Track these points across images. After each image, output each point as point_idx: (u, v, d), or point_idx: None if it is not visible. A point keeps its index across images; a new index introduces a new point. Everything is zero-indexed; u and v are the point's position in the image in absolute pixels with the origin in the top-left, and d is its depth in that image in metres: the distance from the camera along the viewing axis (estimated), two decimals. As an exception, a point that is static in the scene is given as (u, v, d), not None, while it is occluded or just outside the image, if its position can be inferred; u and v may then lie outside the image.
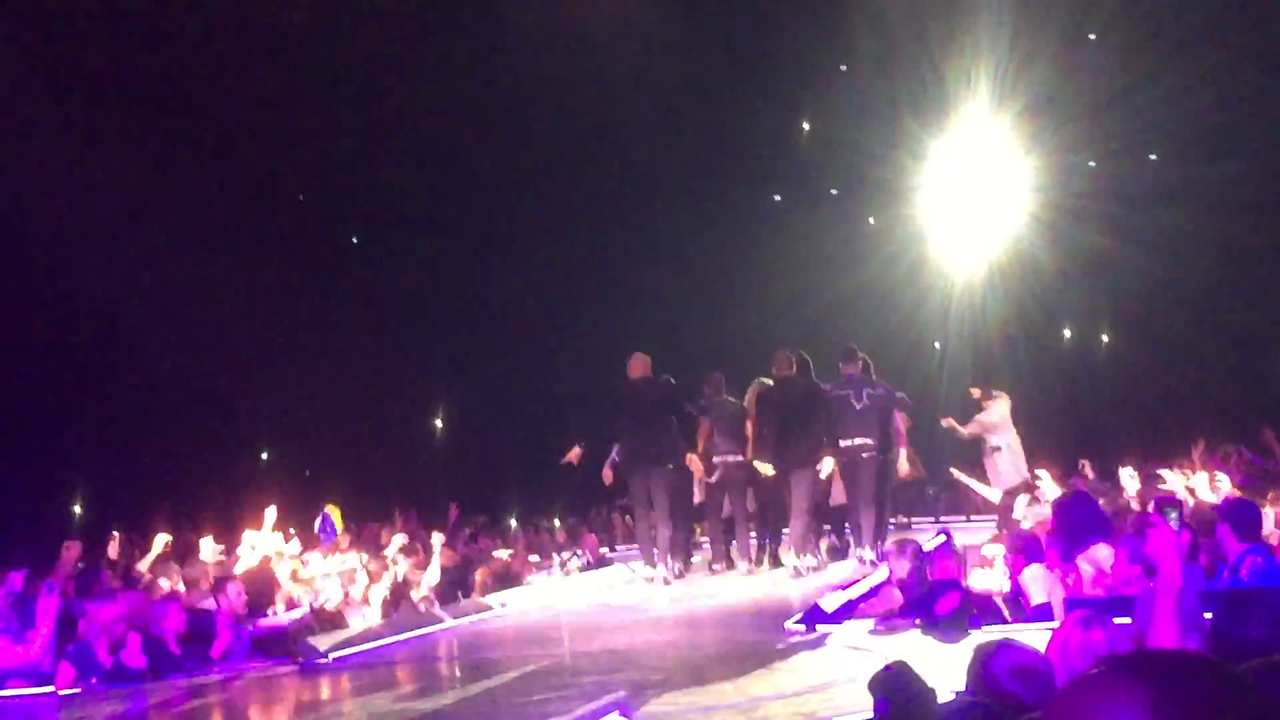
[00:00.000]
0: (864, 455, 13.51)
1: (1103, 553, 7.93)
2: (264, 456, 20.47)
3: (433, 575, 13.05)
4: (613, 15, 20.27)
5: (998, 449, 15.07)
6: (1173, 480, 11.06)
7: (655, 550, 13.40)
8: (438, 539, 13.57)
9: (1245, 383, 19.29)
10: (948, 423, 15.64)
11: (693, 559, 14.64)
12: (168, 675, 9.62)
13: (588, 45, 20.29)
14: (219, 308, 19.11)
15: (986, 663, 3.92)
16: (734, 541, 14.23)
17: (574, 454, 13.81)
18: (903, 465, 14.41)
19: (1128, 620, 4.97)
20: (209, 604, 10.70)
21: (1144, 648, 3.68)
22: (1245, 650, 3.36)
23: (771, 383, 13.60)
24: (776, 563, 13.83)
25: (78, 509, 17.92)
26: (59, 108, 17.30)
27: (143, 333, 18.20)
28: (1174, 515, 4.28)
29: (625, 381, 13.55)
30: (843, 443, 13.33)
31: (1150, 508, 9.34)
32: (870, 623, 9.35)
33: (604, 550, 16.29)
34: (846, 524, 14.42)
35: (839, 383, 13.73)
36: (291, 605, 11.23)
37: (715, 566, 14.19)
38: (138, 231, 18.34)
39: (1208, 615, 4.31)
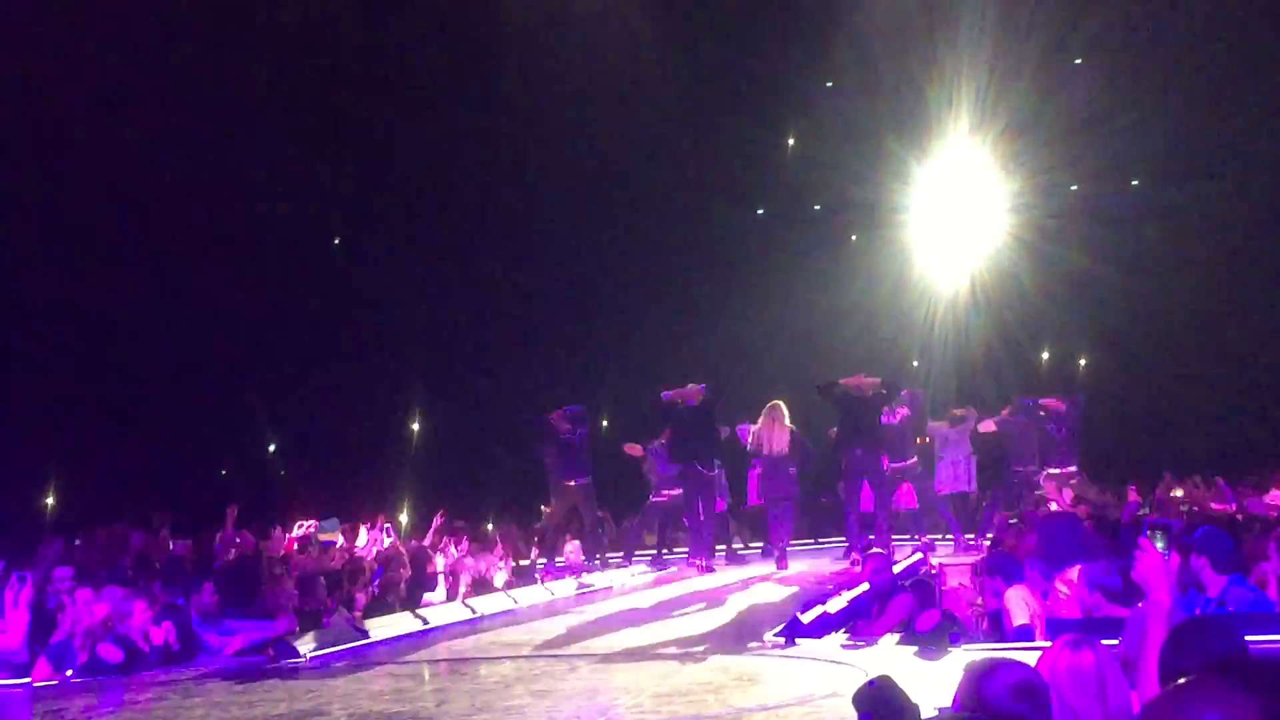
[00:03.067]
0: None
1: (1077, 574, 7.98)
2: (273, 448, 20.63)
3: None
4: (601, 32, 20.36)
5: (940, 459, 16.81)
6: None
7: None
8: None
9: (1224, 406, 19.37)
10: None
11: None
12: (140, 670, 9.63)
13: (577, 62, 20.34)
14: (199, 306, 19.05)
15: (984, 681, 3.87)
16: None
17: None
18: None
19: (1115, 642, 4.99)
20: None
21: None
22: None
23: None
24: None
25: (50, 501, 17.86)
26: (38, 103, 17.32)
27: (124, 329, 18.14)
28: (1161, 538, 4.30)
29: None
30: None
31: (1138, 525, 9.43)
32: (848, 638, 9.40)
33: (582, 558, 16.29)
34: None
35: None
36: (276, 602, 11.20)
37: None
38: (121, 231, 18.31)
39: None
